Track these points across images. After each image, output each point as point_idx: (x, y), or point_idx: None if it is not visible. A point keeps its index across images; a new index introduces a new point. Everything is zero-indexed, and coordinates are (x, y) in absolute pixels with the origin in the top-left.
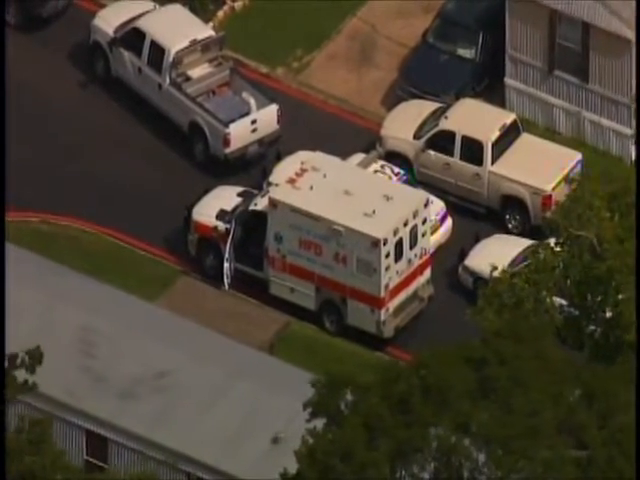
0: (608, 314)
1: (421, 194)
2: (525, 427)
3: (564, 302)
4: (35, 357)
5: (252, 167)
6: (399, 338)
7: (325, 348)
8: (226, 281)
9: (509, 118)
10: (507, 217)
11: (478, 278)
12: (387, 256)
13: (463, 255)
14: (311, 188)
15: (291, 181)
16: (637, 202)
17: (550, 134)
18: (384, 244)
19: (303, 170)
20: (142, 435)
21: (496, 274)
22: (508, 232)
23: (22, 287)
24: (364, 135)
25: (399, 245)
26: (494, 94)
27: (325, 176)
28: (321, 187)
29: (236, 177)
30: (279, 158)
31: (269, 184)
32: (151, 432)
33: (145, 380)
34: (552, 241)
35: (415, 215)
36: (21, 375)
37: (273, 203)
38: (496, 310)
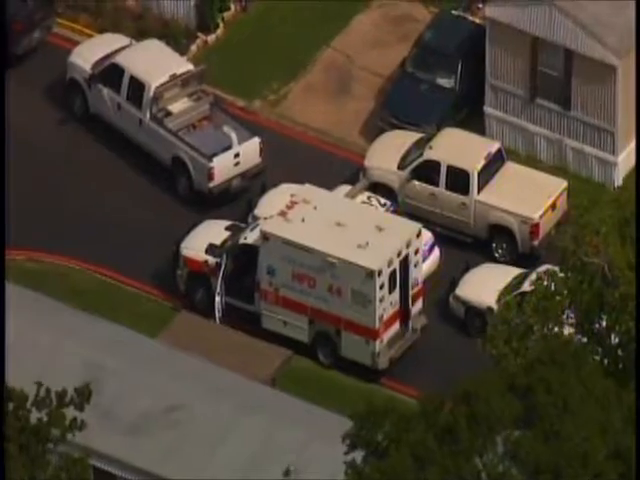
0: (615, 340)
1: (413, 224)
2: (575, 454)
3: (571, 330)
4: (84, 394)
5: (236, 201)
6: (394, 370)
7: (328, 381)
8: (217, 315)
9: (494, 147)
10: (494, 246)
11: (470, 307)
12: (381, 287)
13: (454, 285)
14: (303, 220)
15: (282, 214)
16: (637, 211)
17: (532, 162)
18: (379, 275)
19: (294, 202)
20: (151, 471)
21: (501, 301)
22: (495, 261)
23: (23, 324)
24: (346, 166)
25: (392, 276)
26: (473, 123)
27: (316, 208)
28: (313, 219)
29: (221, 211)
30: (263, 191)
31: (255, 217)
32: (161, 468)
33: (153, 415)
34: (554, 268)
35: (408, 245)
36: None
37: (265, 236)
38: (505, 339)
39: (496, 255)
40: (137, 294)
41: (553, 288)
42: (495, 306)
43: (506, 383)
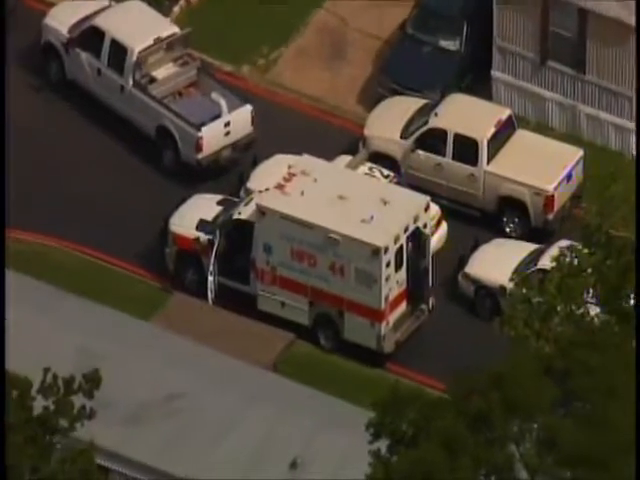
0: None
1: (421, 197)
2: (621, 443)
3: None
4: (94, 381)
5: (227, 173)
6: (399, 354)
7: (329, 367)
8: (210, 296)
9: (504, 113)
10: (505, 220)
11: (480, 287)
12: (387, 265)
13: (462, 262)
14: (302, 194)
15: (280, 187)
16: (637, 201)
17: (542, 130)
18: (385, 252)
19: (291, 174)
20: (150, 464)
21: (517, 279)
22: (506, 236)
23: (13, 309)
24: (343, 136)
25: (399, 253)
26: (480, 88)
27: (316, 180)
28: (313, 192)
29: (210, 184)
30: (256, 163)
31: (248, 191)
32: (160, 461)
33: (152, 405)
34: (576, 244)
35: (416, 220)
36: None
37: (261, 211)
38: (525, 319)
39: (507, 230)
40: (123, 275)
41: (577, 264)
42: (508, 285)
43: (542, 366)
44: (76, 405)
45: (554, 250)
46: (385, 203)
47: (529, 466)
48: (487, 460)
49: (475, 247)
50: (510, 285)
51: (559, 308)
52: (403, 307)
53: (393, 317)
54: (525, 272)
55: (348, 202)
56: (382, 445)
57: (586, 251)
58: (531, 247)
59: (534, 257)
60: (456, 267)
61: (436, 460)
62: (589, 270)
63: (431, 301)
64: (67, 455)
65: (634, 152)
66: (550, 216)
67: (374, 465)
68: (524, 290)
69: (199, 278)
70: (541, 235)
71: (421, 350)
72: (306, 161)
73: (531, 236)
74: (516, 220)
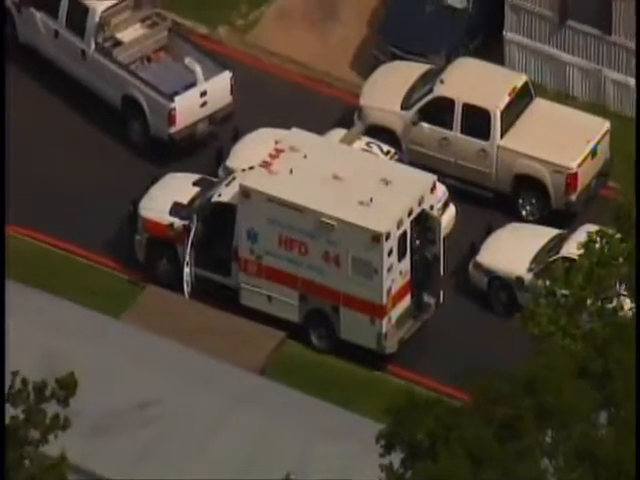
0: None
1: (426, 176)
2: None
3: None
4: (69, 387)
5: (203, 149)
6: (401, 354)
7: (323, 369)
8: (186, 290)
9: (520, 80)
10: (521, 202)
11: (494, 278)
12: (390, 254)
13: (474, 250)
14: (291, 172)
15: (265, 165)
16: (637, 200)
17: (562, 99)
18: (386, 239)
19: (279, 151)
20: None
21: (536, 269)
22: (522, 220)
23: None
24: (334, 106)
25: (402, 240)
26: (491, 51)
27: (306, 157)
28: (303, 171)
29: (184, 162)
30: (236, 138)
31: (228, 170)
32: (132, 476)
33: (124, 413)
34: (606, 228)
35: (421, 202)
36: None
37: (245, 192)
38: (551, 315)
39: (523, 213)
40: (85, 265)
41: (608, 252)
42: (526, 276)
43: (576, 368)
44: (48, 414)
45: (580, 236)
46: (386, 183)
47: None
48: (516, 474)
49: (488, 233)
50: (528, 276)
51: (588, 302)
52: (407, 301)
53: (396, 313)
54: (547, 261)
55: (344, 182)
56: (394, 458)
57: (618, 236)
58: (552, 232)
59: (556, 244)
60: (466, 256)
61: (459, 474)
62: (620, 259)
63: (441, 293)
64: (35, 471)
65: None
66: (573, 197)
67: None
68: (548, 282)
69: (173, 269)
70: (562, 219)
71: (427, 350)
72: (295, 136)
73: (551, 220)
74: (534, 202)
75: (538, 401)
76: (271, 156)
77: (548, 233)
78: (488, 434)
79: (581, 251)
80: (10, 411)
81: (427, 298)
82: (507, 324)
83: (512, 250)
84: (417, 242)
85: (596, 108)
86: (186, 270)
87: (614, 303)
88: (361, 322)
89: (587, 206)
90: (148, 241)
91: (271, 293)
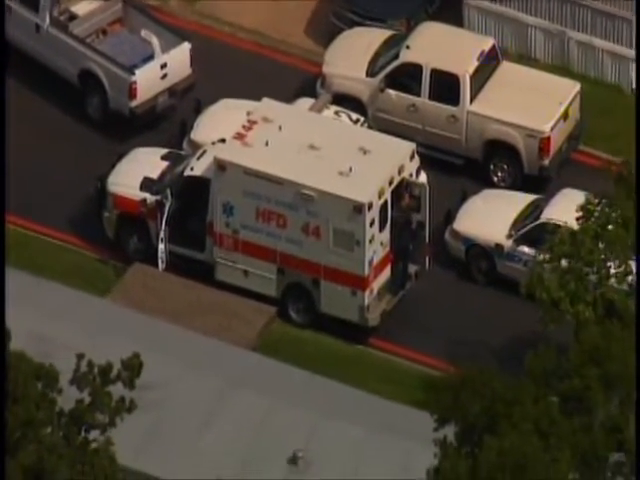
0: None
1: (405, 144)
2: None
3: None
4: (134, 368)
5: (164, 123)
6: (383, 327)
7: (303, 344)
8: (160, 266)
9: (487, 44)
10: (492, 168)
11: (472, 246)
12: (372, 224)
13: (449, 218)
14: (267, 144)
15: (239, 137)
16: (637, 199)
17: (525, 62)
18: (369, 209)
19: (252, 122)
20: (123, 465)
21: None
22: (494, 186)
23: None
24: (293, 75)
25: (384, 210)
26: (449, 15)
27: (281, 128)
28: (279, 142)
29: (146, 137)
30: (199, 110)
31: (192, 142)
32: (134, 461)
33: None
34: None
35: (401, 171)
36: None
37: (221, 165)
38: (560, 278)
39: (494, 179)
40: (53, 244)
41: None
42: (506, 243)
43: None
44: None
45: (559, 201)
46: (364, 152)
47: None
48: (588, 449)
49: (463, 200)
50: (508, 243)
51: (609, 264)
52: (388, 272)
53: (377, 284)
54: (528, 227)
55: (321, 152)
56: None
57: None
58: (528, 198)
59: (534, 209)
60: (442, 224)
61: (530, 450)
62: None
63: (427, 261)
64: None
65: (634, 84)
66: (546, 161)
67: (441, 456)
68: (558, 246)
69: (144, 245)
70: (535, 184)
71: (409, 322)
72: (267, 106)
73: (524, 185)
74: (505, 167)
75: (604, 371)
76: (244, 128)
77: (524, 199)
78: (554, 408)
79: (579, 213)
80: (76, 395)
81: (411, 267)
82: (487, 292)
83: (489, 217)
84: (399, 211)
85: (560, 70)
86: (160, 246)
87: (622, 267)
88: (342, 295)
89: (560, 170)
90: (118, 218)
91: (248, 267)
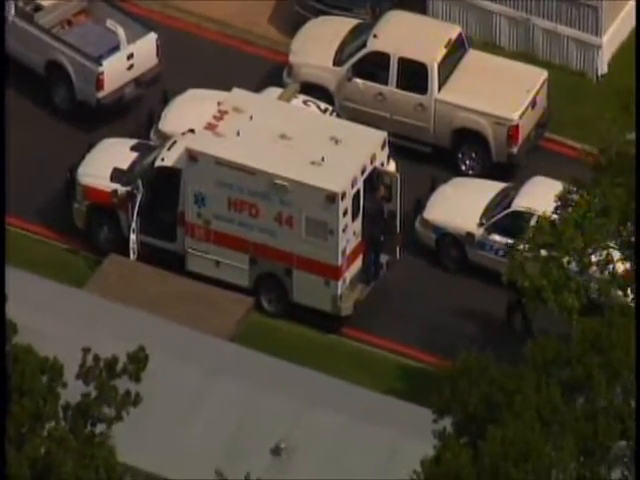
0: None
1: (376, 133)
2: None
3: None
4: (140, 361)
5: (131, 113)
6: (355, 316)
7: (277, 333)
8: (132, 257)
9: (454, 32)
10: (460, 156)
11: (443, 234)
12: (345, 213)
13: (419, 207)
14: (238, 134)
15: (210, 127)
16: (637, 199)
17: (490, 49)
18: (342, 199)
19: (222, 112)
20: None
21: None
22: (462, 174)
23: None
24: (259, 65)
25: (356, 199)
26: (413, 3)
27: (252, 118)
28: (251, 132)
29: (113, 127)
30: (166, 100)
31: (160, 133)
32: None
33: None
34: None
35: (373, 159)
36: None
37: (192, 156)
38: (542, 267)
39: (463, 167)
40: (22, 236)
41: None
42: (477, 231)
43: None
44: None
45: (530, 189)
46: (336, 142)
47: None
48: (591, 436)
49: (432, 189)
50: (479, 231)
51: (576, 255)
52: (360, 262)
53: (350, 274)
54: (499, 215)
55: (293, 142)
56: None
57: (609, 189)
58: (498, 186)
59: (504, 197)
60: (412, 213)
61: (533, 438)
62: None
63: (398, 250)
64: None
65: (600, 71)
66: (514, 149)
67: (440, 447)
68: (538, 234)
69: (115, 236)
70: (504, 171)
71: (381, 311)
72: (238, 96)
73: (492, 173)
74: (474, 155)
75: (607, 359)
76: (216, 118)
77: (494, 186)
78: (557, 397)
79: (543, 203)
80: (81, 389)
81: (383, 257)
82: (458, 280)
83: (459, 205)
84: (371, 200)
85: (524, 57)
86: (132, 237)
87: (604, 255)
88: (315, 284)
89: (528, 157)
90: (89, 209)
91: (220, 258)
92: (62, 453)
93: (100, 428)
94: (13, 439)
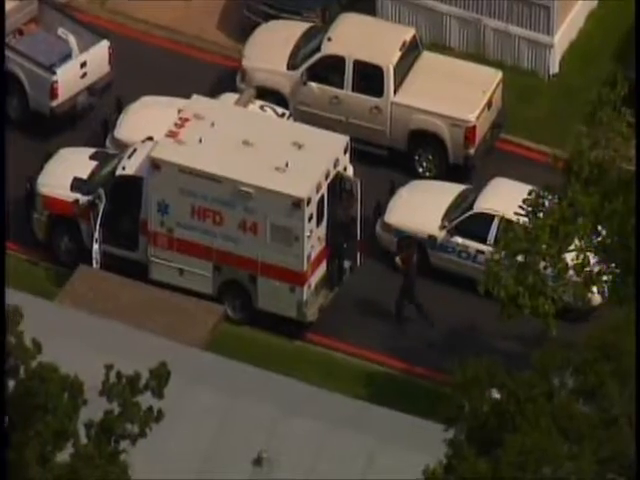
0: None
1: (338, 137)
2: None
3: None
4: (162, 377)
5: (84, 121)
6: (319, 322)
7: (241, 341)
8: (95, 267)
9: (408, 34)
10: (417, 158)
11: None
12: (310, 219)
13: (379, 210)
14: (200, 141)
15: (172, 134)
16: (637, 199)
17: (439, 50)
18: (307, 204)
19: (183, 120)
20: None
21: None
22: (419, 176)
23: None
24: (209, 70)
25: (321, 204)
26: (362, 4)
27: (213, 125)
28: (213, 139)
29: (68, 136)
30: (120, 108)
31: (115, 141)
32: None
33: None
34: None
35: (336, 164)
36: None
37: (155, 164)
38: (517, 274)
39: (420, 169)
40: None
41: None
42: (439, 234)
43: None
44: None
45: (492, 190)
46: (299, 147)
47: None
48: (610, 444)
49: (391, 192)
50: (441, 234)
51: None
52: (324, 267)
53: (315, 279)
54: (461, 218)
55: (255, 148)
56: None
57: (580, 193)
58: (458, 188)
59: (465, 199)
60: (372, 216)
61: (551, 447)
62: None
63: (359, 256)
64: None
65: (552, 70)
66: (471, 150)
67: (451, 456)
68: (512, 241)
69: (75, 246)
70: (460, 173)
71: (344, 316)
72: (198, 103)
73: (448, 175)
74: (430, 157)
75: (618, 366)
76: (177, 125)
77: (454, 189)
78: (575, 405)
79: (505, 205)
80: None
81: (346, 262)
82: (420, 284)
83: (420, 208)
84: (334, 205)
85: (475, 58)
86: (95, 247)
87: (580, 259)
88: (280, 291)
89: (484, 159)
90: (49, 219)
91: (183, 266)
92: (88, 470)
93: (123, 445)
94: (38, 457)
